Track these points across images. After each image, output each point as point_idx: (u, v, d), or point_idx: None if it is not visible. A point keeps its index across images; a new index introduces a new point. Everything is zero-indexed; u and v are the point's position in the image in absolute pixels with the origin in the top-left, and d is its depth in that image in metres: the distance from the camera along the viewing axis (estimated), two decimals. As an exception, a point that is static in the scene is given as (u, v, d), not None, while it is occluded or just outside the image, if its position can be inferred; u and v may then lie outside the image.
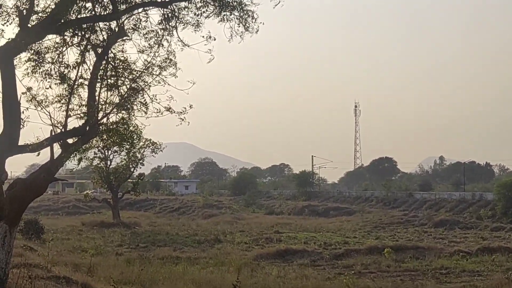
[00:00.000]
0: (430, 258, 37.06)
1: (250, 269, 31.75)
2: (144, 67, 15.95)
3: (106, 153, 64.53)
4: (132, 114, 16.16)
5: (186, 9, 15.39)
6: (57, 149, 15.49)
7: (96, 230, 54.28)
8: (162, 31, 15.57)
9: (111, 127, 16.23)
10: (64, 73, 15.75)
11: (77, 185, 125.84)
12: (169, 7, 15.40)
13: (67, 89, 15.76)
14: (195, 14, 15.26)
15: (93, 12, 15.19)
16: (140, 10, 15.64)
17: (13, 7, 14.35)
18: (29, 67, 15.23)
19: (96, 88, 15.79)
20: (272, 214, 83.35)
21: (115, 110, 15.97)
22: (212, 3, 15.13)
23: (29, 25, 14.40)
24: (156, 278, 25.70)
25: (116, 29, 15.60)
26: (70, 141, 15.70)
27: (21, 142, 14.76)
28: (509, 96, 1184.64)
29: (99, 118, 15.80)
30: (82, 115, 15.84)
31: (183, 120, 15.61)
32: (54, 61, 15.57)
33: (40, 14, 14.71)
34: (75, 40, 15.67)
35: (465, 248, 41.25)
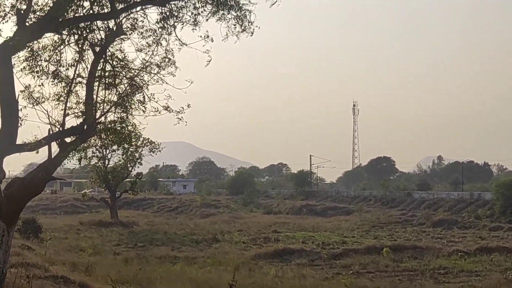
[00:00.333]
0: (428, 257, 37.09)
1: (248, 269, 31.73)
2: (142, 66, 15.91)
3: (104, 152, 64.47)
4: (130, 113, 16.12)
5: (184, 8, 15.35)
6: (55, 148, 15.46)
7: (94, 229, 54.29)
8: (160, 30, 15.53)
9: (109, 126, 16.18)
10: (61, 71, 15.71)
11: (75, 184, 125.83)
12: (167, 5, 15.36)
13: (64, 87, 15.73)
14: (192, 13, 15.22)
15: (91, 11, 15.15)
16: (138, 8, 15.60)
17: (10, 7, 14.30)
18: (28, 66, 15.20)
19: (94, 87, 15.75)
20: (270, 213, 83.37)
21: (113, 109, 15.94)
22: (210, 2, 15.09)
23: (26, 24, 14.35)
24: (154, 278, 25.69)
25: (114, 28, 15.57)
26: (68, 140, 15.66)
27: (19, 141, 14.71)
28: (508, 95, 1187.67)
29: (97, 117, 15.76)
30: (80, 113, 15.80)
31: (180, 119, 15.59)
32: (51, 59, 15.53)
33: (38, 13, 14.66)
34: (73, 38, 15.64)
35: (464, 247, 41.28)
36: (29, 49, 15.17)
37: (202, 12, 15.21)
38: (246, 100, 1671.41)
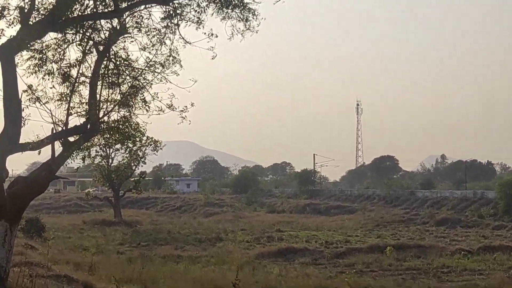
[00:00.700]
0: (431, 256, 37.03)
1: (251, 268, 31.69)
2: (146, 65, 15.90)
3: (108, 151, 64.48)
4: (133, 112, 16.12)
5: (188, 6, 15.35)
6: (58, 147, 15.46)
7: (97, 229, 54.28)
8: (164, 28, 15.53)
9: (112, 125, 16.18)
10: (66, 71, 15.71)
11: (78, 183, 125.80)
12: (170, 4, 15.34)
13: (68, 86, 15.73)
14: (196, 11, 15.22)
15: (94, 10, 15.14)
16: (142, 7, 15.59)
17: (15, 7, 14.27)
18: (31, 66, 15.19)
19: (98, 86, 15.74)
20: (274, 212, 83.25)
21: (116, 108, 15.93)
22: (213, 0, 15.09)
23: (30, 23, 14.33)
24: (158, 277, 25.66)
25: (118, 27, 15.55)
26: (71, 139, 15.65)
27: (22, 140, 14.71)
28: (511, 94, 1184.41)
29: (100, 116, 15.75)
30: (83, 113, 15.80)
31: (184, 118, 15.59)
32: (55, 59, 15.53)
33: (41, 12, 14.64)
34: (77, 38, 15.63)
35: (467, 246, 41.19)
36: (33, 49, 15.16)
37: (205, 10, 15.21)
38: (250, 99, 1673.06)
